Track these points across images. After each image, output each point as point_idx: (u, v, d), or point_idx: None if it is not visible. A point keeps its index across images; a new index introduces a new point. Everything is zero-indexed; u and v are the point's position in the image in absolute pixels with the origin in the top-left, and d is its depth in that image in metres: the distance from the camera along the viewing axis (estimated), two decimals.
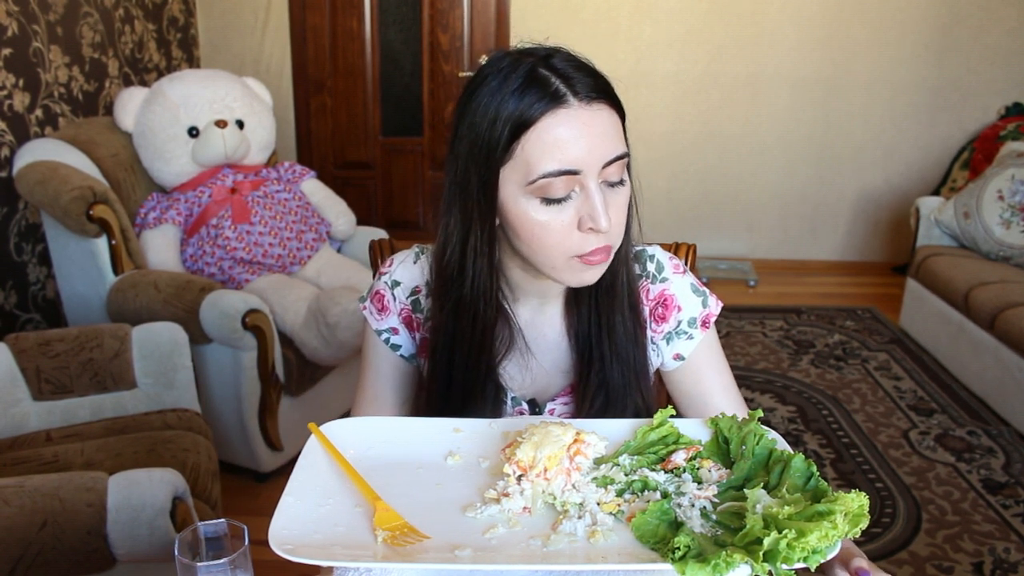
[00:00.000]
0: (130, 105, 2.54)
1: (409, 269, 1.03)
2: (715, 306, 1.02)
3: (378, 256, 1.23)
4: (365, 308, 1.04)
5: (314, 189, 2.84)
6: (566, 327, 1.00)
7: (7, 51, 2.49)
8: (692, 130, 4.35)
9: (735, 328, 3.61)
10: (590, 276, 0.87)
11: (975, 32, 4.12)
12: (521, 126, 0.81)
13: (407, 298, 1.02)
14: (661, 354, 1.02)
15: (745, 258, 4.50)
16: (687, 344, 1.00)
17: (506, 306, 0.97)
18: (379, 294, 1.03)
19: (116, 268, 2.26)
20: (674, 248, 1.21)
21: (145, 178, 2.57)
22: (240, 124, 2.60)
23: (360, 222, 2.95)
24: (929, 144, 4.32)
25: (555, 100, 0.81)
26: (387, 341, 1.03)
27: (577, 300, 0.97)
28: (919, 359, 3.32)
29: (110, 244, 2.23)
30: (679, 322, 1.00)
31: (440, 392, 0.97)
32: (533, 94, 0.81)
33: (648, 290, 1.01)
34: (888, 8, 4.11)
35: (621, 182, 0.86)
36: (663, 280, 1.00)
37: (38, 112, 2.66)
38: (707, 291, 1.02)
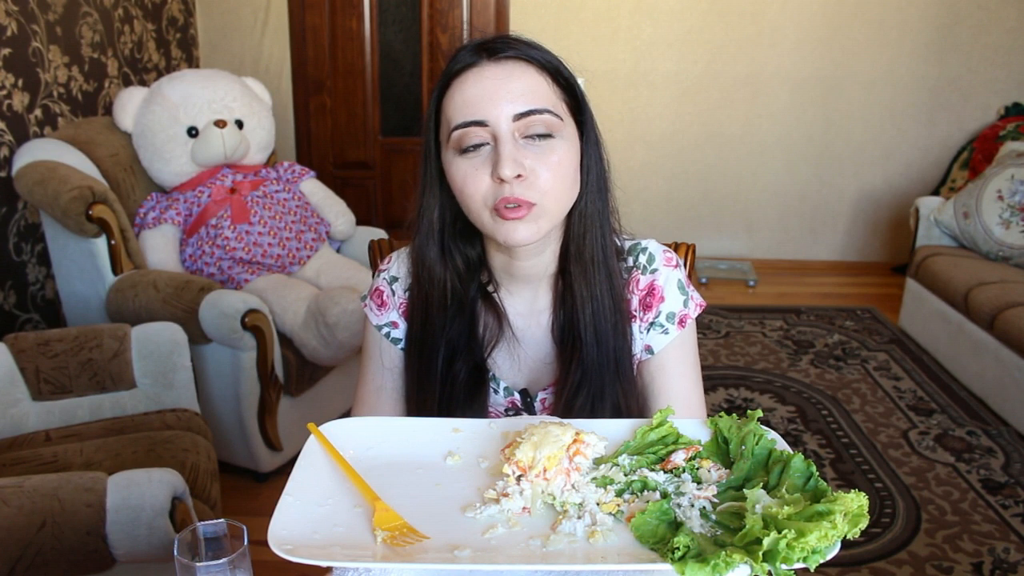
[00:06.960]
0: (129, 105, 2.53)
1: (406, 264, 1.05)
2: (694, 309, 1.02)
3: (377, 256, 1.24)
4: (366, 306, 1.07)
5: (313, 189, 2.84)
6: (551, 316, 1.01)
7: (6, 51, 2.49)
8: (692, 130, 4.35)
9: (735, 328, 3.61)
10: (514, 234, 0.88)
11: (975, 32, 4.12)
12: (441, 93, 0.92)
13: (404, 292, 1.05)
14: (638, 343, 1.02)
15: (745, 258, 4.50)
16: (660, 338, 1.01)
17: (493, 294, 1.00)
18: (378, 290, 1.06)
19: (115, 268, 2.26)
20: (673, 248, 1.18)
21: (144, 178, 2.57)
22: (239, 124, 2.60)
23: (359, 222, 2.95)
24: (929, 144, 4.32)
25: (468, 65, 0.90)
26: (388, 335, 1.05)
27: (563, 286, 0.99)
28: (919, 359, 3.32)
29: (109, 244, 2.23)
30: (659, 313, 1.01)
31: (425, 381, 0.99)
32: (451, 66, 0.91)
33: (638, 280, 1.01)
34: (888, 8, 4.11)
35: (549, 136, 0.88)
36: (653, 271, 1.01)
37: (37, 112, 2.66)
38: (692, 292, 1.03)
